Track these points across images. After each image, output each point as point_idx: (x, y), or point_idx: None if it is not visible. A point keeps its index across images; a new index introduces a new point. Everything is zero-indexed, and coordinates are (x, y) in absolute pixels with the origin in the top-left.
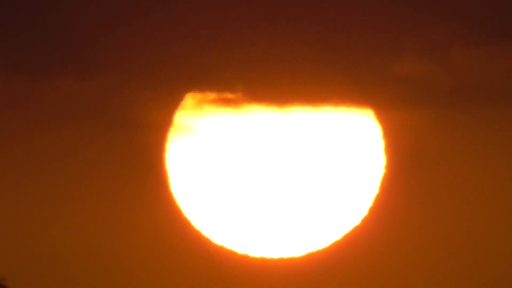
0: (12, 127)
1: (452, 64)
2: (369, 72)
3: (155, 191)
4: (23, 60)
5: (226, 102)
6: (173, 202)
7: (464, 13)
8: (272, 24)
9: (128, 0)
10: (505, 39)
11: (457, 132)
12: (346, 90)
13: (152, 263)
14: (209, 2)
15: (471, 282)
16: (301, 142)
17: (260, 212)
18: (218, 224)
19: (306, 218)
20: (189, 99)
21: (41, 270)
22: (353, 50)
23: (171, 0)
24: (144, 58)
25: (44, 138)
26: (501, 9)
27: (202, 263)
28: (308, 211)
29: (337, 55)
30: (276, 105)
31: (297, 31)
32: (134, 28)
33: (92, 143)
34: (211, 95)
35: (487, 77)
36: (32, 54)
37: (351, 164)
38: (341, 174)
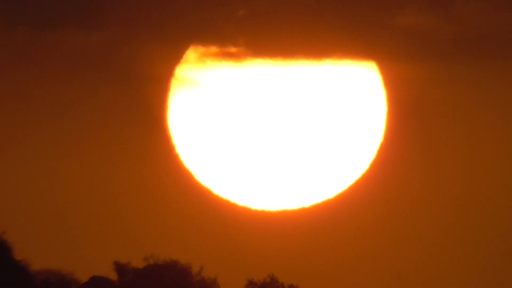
0: (16, 79)
1: (456, 16)
2: (372, 25)
3: (158, 144)
4: (28, 13)
5: (229, 55)
6: (175, 155)
7: None
8: None
9: None
10: None
11: (459, 84)
12: (350, 43)
13: (155, 216)
14: None
15: (472, 230)
16: (304, 95)
17: (264, 164)
18: (221, 177)
19: (310, 170)
20: (192, 53)
21: (43, 225)
22: (356, 3)
23: None
24: (148, 12)
25: (47, 90)
26: None
27: (205, 215)
28: (312, 162)
29: (340, 8)
30: (279, 58)
31: None
32: None
33: (95, 95)
34: (214, 49)
35: (490, 29)
36: (36, 7)
37: (355, 115)
38: (345, 125)
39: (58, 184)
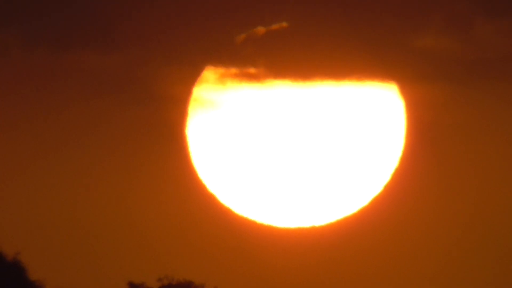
0: (36, 100)
1: (475, 39)
2: (392, 46)
3: (177, 165)
4: (47, 34)
5: (248, 76)
6: (194, 175)
7: None
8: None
9: None
10: None
11: (478, 106)
12: (370, 65)
13: (176, 236)
14: None
15: (486, 246)
16: (323, 116)
17: (284, 183)
18: (241, 196)
19: (329, 190)
20: (211, 73)
21: (57, 245)
22: (377, 25)
23: None
24: (167, 33)
25: (66, 112)
26: None
27: (227, 235)
28: (332, 182)
29: (361, 30)
30: (299, 80)
31: (320, 7)
32: (157, 3)
33: (113, 117)
34: (233, 70)
35: (510, 51)
36: (55, 29)
37: (374, 135)
38: (364, 146)
39: (74, 204)
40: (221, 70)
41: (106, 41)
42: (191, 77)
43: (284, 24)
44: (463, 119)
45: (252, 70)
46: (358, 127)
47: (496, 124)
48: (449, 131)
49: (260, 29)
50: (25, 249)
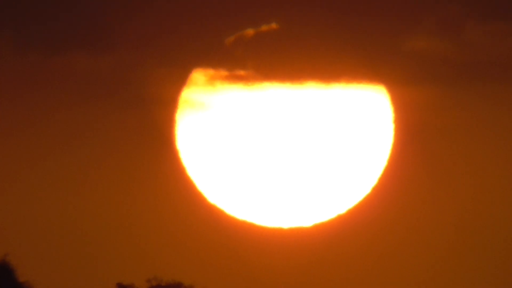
0: (26, 102)
1: (466, 41)
2: (382, 49)
3: (167, 167)
4: (37, 36)
5: (238, 78)
6: (184, 176)
7: None
8: (285, 1)
9: None
10: None
11: (468, 108)
12: (359, 67)
13: (165, 237)
14: None
15: (475, 248)
16: (313, 117)
17: (274, 184)
18: (231, 196)
19: (318, 190)
20: (200, 76)
21: (46, 246)
22: (367, 27)
23: None
24: (156, 35)
25: (56, 113)
26: None
27: (216, 235)
28: (321, 183)
29: (351, 32)
30: (288, 82)
31: (310, 9)
32: (147, 5)
33: (103, 118)
34: (223, 72)
35: (501, 54)
36: (45, 31)
37: (362, 137)
38: (352, 147)
39: (63, 206)
40: (210, 72)
41: (95, 44)
42: (180, 79)
43: (274, 26)
44: (453, 121)
45: (241, 72)
46: (348, 129)
47: (486, 126)
48: (439, 133)
49: (250, 31)
50: (14, 250)
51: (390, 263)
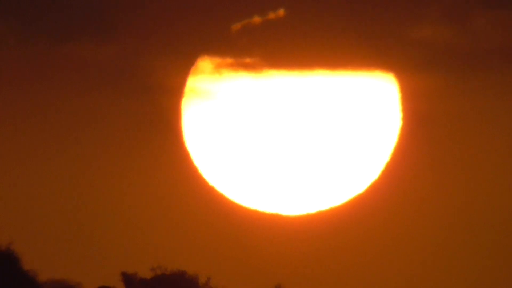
0: (30, 91)
1: (472, 29)
2: (390, 36)
3: (172, 155)
4: (44, 26)
5: (244, 66)
6: (189, 165)
7: None
8: None
9: None
10: None
11: (475, 96)
12: (367, 55)
13: (169, 226)
14: None
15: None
16: (319, 105)
17: (279, 172)
18: (236, 184)
19: (324, 178)
20: (207, 64)
21: (50, 235)
22: (374, 15)
23: None
24: (162, 23)
25: (61, 102)
26: None
27: (220, 224)
28: (327, 171)
29: (358, 20)
30: (295, 69)
31: None
32: None
33: (108, 107)
34: (229, 59)
35: (507, 42)
36: (49, 20)
37: (370, 125)
38: (360, 135)
39: (67, 195)
40: (216, 59)
41: (101, 32)
42: (186, 67)
43: (280, 13)
44: (459, 110)
45: (248, 59)
46: (355, 117)
47: (492, 115)
48: (445, 121)
49: (256, 19)
50: (19, 239)
51: (392, 253)
